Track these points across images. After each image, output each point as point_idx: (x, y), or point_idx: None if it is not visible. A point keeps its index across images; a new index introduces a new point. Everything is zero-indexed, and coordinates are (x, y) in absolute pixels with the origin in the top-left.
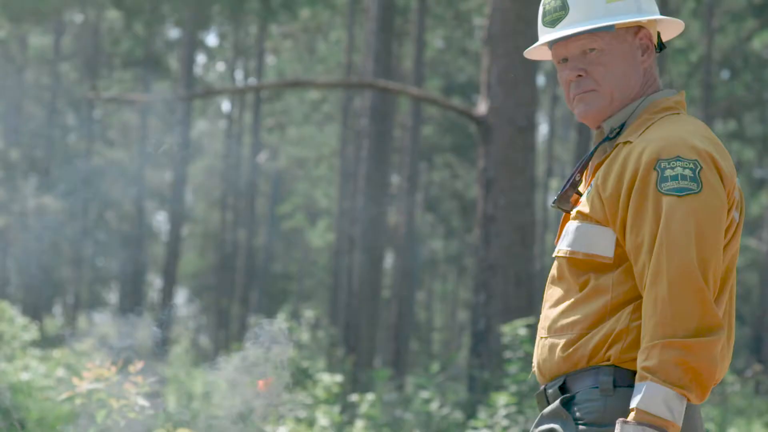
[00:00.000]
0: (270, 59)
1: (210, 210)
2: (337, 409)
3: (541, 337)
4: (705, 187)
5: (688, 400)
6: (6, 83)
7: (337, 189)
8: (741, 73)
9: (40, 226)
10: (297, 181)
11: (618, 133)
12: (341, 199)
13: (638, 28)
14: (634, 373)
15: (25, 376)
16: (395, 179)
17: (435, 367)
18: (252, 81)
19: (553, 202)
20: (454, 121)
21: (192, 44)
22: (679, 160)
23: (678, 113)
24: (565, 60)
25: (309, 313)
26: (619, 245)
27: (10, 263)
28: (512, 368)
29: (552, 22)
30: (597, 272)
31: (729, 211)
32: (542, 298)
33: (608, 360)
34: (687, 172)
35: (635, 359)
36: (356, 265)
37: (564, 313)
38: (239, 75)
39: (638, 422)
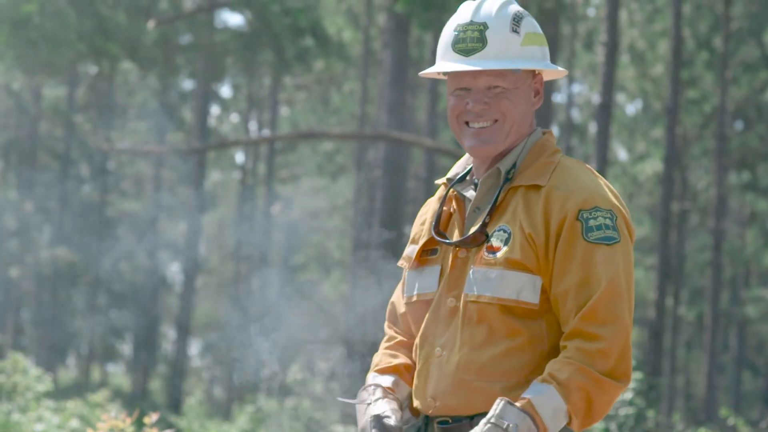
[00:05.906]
0: (284, 110)
1: (224, 261)
2: None
3: (463, 378)
4: (622, 236)
5: (568, 424)
6: (20, 134)
7: (351, 240)
8: (755, 124)
9: (54, 277)
10: (310, 232)
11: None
12: (355, 250)
13: (535, 72)
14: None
15: (38, 428)
16: (408, 230)
17: None
18: (266, 132)
19: (459, 241)
20: None
21: (206, 96)
22: (599, 210)
23: (562, 153)
24: (466, 89)
25: (323, 365)
26: (543, 292)
27: (24, 314)
28: None
29: (465, 51)
30: (525, 318)
31: None
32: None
33: None
34: (607, 221)
35: None
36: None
37: (498, 359)
38: (253, 126)
39: (523, 410)
